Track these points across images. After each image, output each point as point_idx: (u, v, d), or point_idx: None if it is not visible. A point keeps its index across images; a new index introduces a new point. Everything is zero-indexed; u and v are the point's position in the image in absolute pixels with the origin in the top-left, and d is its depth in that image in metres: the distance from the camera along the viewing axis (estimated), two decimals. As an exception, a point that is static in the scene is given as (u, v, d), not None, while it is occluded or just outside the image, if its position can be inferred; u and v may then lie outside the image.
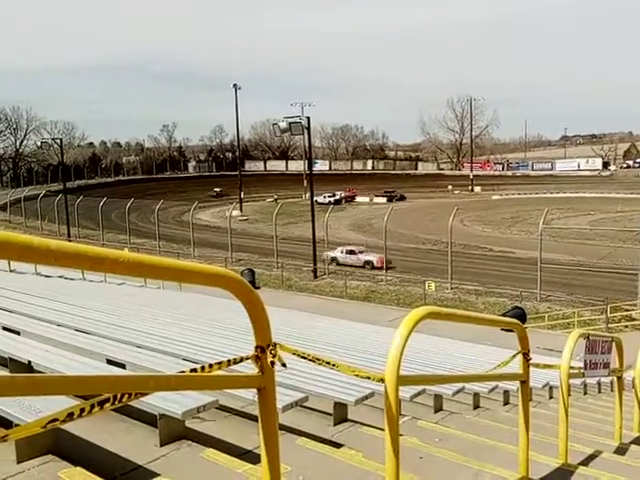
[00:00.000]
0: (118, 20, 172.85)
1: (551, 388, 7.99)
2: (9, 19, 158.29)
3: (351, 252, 33.60)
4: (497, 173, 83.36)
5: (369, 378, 2.15)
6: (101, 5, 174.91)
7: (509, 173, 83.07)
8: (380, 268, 31.46)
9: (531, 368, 3.46)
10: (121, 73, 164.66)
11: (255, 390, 1.82)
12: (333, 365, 2.03)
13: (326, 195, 62.76)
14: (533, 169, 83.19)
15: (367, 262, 32.77)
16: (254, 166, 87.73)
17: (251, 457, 3.13)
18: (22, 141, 76.79)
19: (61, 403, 2.85)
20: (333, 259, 33.56)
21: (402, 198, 68.93)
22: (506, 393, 6.84)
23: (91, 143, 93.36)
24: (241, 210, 58.61)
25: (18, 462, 2.76)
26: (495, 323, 3.67)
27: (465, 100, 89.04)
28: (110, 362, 4.29)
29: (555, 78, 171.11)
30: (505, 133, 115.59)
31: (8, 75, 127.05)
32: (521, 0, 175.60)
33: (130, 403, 3.39)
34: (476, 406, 6.18)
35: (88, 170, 76.76)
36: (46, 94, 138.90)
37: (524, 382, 3.39)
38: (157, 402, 3.05)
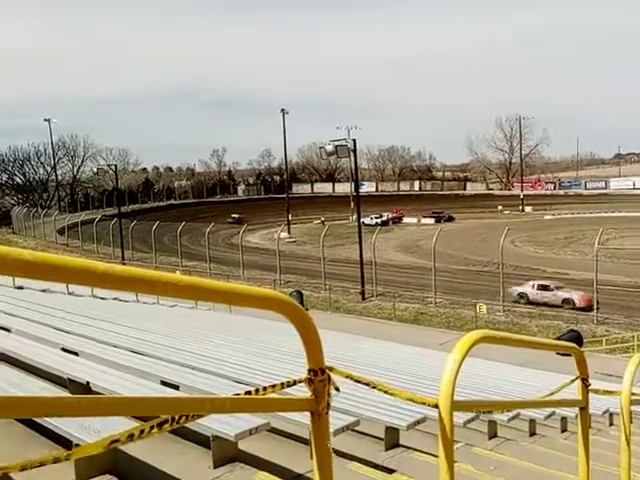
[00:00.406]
0: (171, 51, 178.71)
1: (611, 415, 7.68)
2: (69, 53, 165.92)
3: (545, 288, 27.62)
4: (549, 192, 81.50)
5: (424, 403, 2.12)
6: (153, 37, 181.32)
7: (561, 192, 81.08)
8: (584, 309, 25.81)
9: (590, 394, 3.34)
10: (173, 101, 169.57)
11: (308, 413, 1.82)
12: (386, 392, 2.01)
13: (373, 216, 62.54)
14: (586, 188, 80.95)
15: (566, 300, 26.94)
16: (301, 189, 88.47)
17: (303, 481, 3.12)
18: (79, 167, 79.75)
19: (119, 423, 2.92)
20: (522, 296, 28.15)
21: (450, 219, 68.07)
22: (564, 420, 6.62)
23: (144, 169, 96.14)
24: (289, 232, 59.07)
25: (77, 481, 2.84)
26: (552, 347, 3.57)
27: (514, 119, 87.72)
28: (164, 383, 4.37)
29: (607, 95, 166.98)
30: (556, 152, 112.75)
31: (68, 105, 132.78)
32: (568, 17, 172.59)
33: (184, 424, 3.44)
34: (532, 433, 6.00)
35: (141, 195, 78.95)
36: (103, 122, 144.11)
37: (583, 409, 3.27)
38: (210, 424, 3.09)
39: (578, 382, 3.27)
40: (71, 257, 1.22)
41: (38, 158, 76.27)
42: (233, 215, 67.30)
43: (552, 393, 3.53)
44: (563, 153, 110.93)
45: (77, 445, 2.86)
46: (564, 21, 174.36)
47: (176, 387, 4.33)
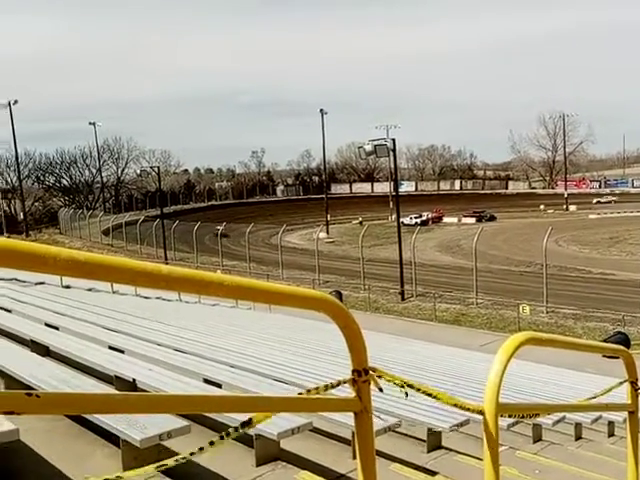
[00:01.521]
0: (212, 53, 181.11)
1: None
2: (112, 56, 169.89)
3: None
4: (593, 191, 79.48)
5: (469, 409, 2.09)
6: (196, 39, 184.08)
7: (607, 191, 78.99)
8: None
9: (640, 398, 3.24)
10: (214, 103, 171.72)
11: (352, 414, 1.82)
12: (433, 396, 1.99)
13: (412, 216, 62.02)
14: (633, 186, 78.65)
15: None
16: (340, 189, 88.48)
17: (344, 481, 3.13)
18: (123, 169, 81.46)
19: (165, 420, 2.98)
20: None
21: (492, 218, 67.00)
22: (611, 424, 6.45)
23: (186, 170, 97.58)
24: (328, 232, 59.13)
25: (124, 476, 2.89)
26: (599, 349, 3.48)
27: (557, 116, 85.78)
28: (207, 381, 4.43)
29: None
30: (602, 149, 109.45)
31: (113, 107, 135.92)
32: (610, 11, 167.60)
33: (226, 422, 3.48)
34: (578, 437, 5.87)
35: (183, 196, 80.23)
36: (146, 124, 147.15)
37: (633, 413, 3.18)
38: (253, 422, 3.11)
39: (627, 385, 3.18)
40: (120, 257, 1.25)
41: (84, 161, 78.25)
42: (217, 227, 50.08)
43: (596, 396, 3.45)
44: (609, 151, 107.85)
45: (124, 441, 2.93)
46: (610, 16, 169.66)
47: (219, 385, 4.39)
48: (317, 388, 1.81)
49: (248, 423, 1.54)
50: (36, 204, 71.23)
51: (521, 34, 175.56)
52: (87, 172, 78.72)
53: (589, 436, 6.04)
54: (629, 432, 3.15)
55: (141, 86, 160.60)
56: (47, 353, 5.38)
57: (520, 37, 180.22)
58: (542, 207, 72.88)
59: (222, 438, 1.43)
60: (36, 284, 12.01)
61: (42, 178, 76.55)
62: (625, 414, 3.27)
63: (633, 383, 3.15)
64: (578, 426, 5.94)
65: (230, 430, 1.50)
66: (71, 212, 61.49)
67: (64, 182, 78.19)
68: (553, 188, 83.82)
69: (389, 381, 2.00)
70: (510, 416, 4.40)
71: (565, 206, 74.08)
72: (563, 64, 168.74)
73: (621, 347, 3.31)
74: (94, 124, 73.44)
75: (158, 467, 1.31)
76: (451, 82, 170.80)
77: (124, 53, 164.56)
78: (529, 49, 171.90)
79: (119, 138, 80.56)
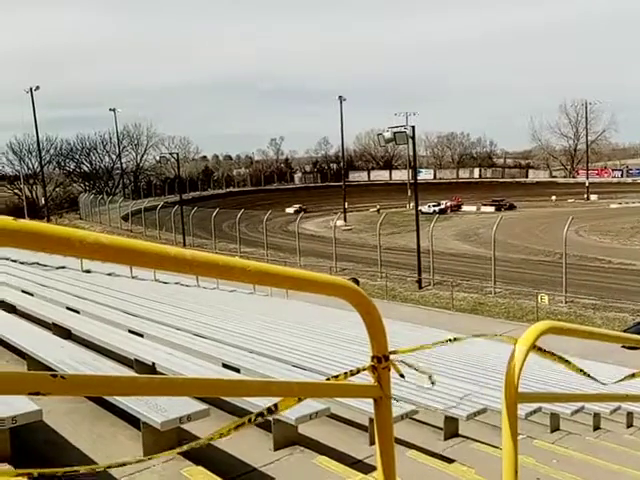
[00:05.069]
0: (232, 40, 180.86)
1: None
2: (133, 44, 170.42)
3: None
4: (615, 180, 78.28)
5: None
6: (215, 27, 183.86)
7: (629, 180, 77.72)
8: None
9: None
10: (233, 90, 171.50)
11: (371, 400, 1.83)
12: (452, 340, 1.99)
13: (431, 204, 61.71)
14: (656, 175, 77.38)
15: None
16: (358, 176, 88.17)
17: (362, 467, 3.14)
18: (142, 156, 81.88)
19: (184, 403, 3.02)
20: None
21: (511, 207, 66.39)
22: (630, 415, 6.40)
23: (204, 157, 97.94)
24: (345, 220, 59.04)
25: (145, 458, 2.93)
26: (620, 340, 3.45)
27: (580, 104, 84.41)
28: (225, 366, 4.47)
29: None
30: (625, 138, 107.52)
31: (133, 94, 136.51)
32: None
33: (245, 407, 3.51)
34: (596, 427, 5.83)
35: (201, 182, 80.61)
36: (165, 111, 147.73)
37: (654, 404, 3.16)
38: (272, 407, 3.13)
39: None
40: (152, 243, 1.26)
41: (104, 147, 78.85)
42: None
43: (619, 381, 3.41)
44: (632, 139, 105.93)
45: (145, 423, 2.97)
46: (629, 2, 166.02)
47: (237, 370, 4.43)
48: (337, 376, 1.82)
49: (274, 410, 1.55)
50: (57, 189, 71.98)
51: (545, 20, 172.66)
52: (107, 158, 79.34)
53: (607, 426, 6.00)
54: (649, 423, 3.12)
55: (161, 74, 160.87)
56: (69, 336, 5.46)
57: (544, 23, 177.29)
58: (554, 198, 71.67)
59: (249, 421, 1.44)
60: (57, 268, 12.17)
61: (63, 164, 77.28)
62: (645, 405, 3.25)
63: (655, 374, 3.12)
64: (597, 416, 5.90)
65: (251, 416, 1.52)
66: (91, 197, 62.04)
67: (84, 168, 78.85)
68: (574, 177, 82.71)
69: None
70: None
71: (586, 195, 73.12)
72: (587, 50, 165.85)
73: (643, 338, 3.27)
74: (114, 110, 74.03)
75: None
76: (471, 69, 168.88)
77: (146, 41, 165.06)
78: (552, 35, 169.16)
79: (139, 124, 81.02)
